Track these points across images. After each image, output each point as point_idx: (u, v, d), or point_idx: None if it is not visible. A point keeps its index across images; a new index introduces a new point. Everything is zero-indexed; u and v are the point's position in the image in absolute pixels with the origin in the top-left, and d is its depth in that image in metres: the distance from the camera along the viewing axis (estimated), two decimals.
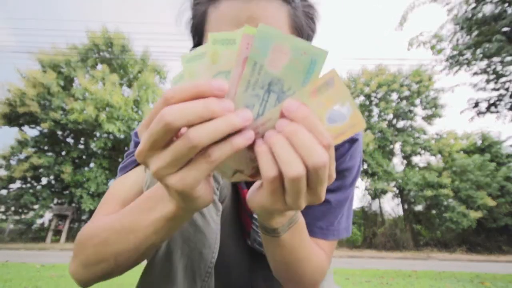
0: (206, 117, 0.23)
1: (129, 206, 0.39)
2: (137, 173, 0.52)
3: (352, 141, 0.57)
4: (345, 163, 0.56)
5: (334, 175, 0.28)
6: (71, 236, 13.00)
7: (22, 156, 12.83)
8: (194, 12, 0.49)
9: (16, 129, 12.90)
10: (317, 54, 0.25)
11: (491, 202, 11.92)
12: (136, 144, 0.56)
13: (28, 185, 13.04)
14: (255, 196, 0.30)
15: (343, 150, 0.56)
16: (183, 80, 0.29)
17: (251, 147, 0.27)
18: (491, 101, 5.48)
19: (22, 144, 12.80)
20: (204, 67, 0.27)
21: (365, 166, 14.15)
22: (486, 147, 14.39)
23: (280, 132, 0.25)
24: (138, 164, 0.53)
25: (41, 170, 12.54)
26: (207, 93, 0.24)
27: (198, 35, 0.49)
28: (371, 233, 14.52)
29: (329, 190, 0.54)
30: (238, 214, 0.66)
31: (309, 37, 0.51)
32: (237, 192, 0.63)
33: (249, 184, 0.60)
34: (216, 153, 0.24)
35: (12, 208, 12.92)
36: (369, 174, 13.92)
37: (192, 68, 0.28)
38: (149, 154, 0.25)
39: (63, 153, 13.73)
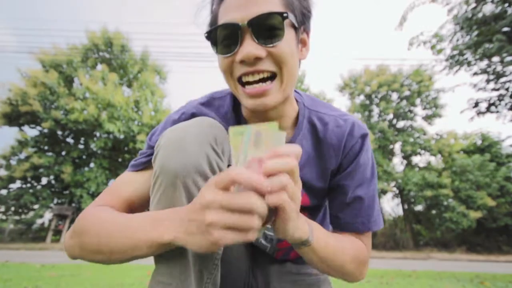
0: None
1: (133, 220, 0.43)
2: (145, 178, 0.55)
3: (363, 136, 0.60)
4: (363, 157, 0.60)
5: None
6: None
7: (22, 156, 12.82)
8: (214, 5, 0.55)
9: (16, 129, 12.91)
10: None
11: (491, 202, 11.91)
12: (149, 147, 0.58)
13: (28, 185, 13.03)
14: (279, 229, 0.40)
15: (357, 146, 0.60)
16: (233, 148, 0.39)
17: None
18: (491, 101, 5.48)
19: (22, 144, 12.80)
20: (243, 147, 0.38)
21: None
22: (486, 147, 14.39)
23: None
24: (147, 167, 0.56)
25: (41, 170, 12.53)
26: (260, 190, 0.33)
27: (212, 25, 0.55)
28: (371, 233, 14.52)
29: (357, 186, 0.59)
30: None
31: (304, 16, 0.55)
32: None
33: None
34: (224, 239, 0.34)
35: (12, 208, 12.91)
36: None
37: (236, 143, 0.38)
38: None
39: (63, 153, 13.73)
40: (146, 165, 0.56)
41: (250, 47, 0.46)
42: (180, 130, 0.47)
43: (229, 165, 0.52)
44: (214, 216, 0.33)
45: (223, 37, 0.48)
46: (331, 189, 0.64)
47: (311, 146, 0.61)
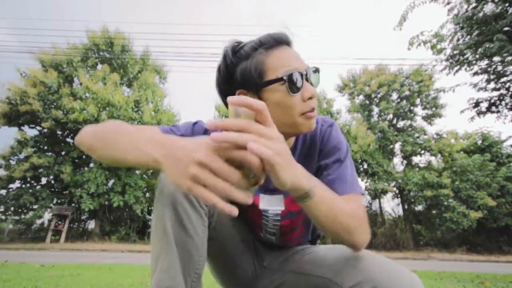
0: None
1: (139, 134, 0.49)
2: None
3: (330, 125, 0.75)
4: (334, 140, 0.73)
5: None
6: (70, 236, 12.99)
7: (21, 156, 12.79)
8: (254, 59, 0.64)
9: (15, 129, 12.88)
10: None
11: (491, 202, 11.91)
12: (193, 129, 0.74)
13: (28, 185, 13.00)
14: (274, 181, 0.41)
15: (328, 132, 0.74)
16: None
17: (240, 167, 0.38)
18: (492, 101, 5.47)
19: (22, 144, 12.78)
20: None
21: (365, 166, 14.14)
22: (486, 147, 14.39)
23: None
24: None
25: (40, 170, 12.51)
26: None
27: (258, 73, 0.64)
28: (371, 233, 14.48)
29: (334, 161, 0.71)
30: (244, 217, 0.80)
31: None
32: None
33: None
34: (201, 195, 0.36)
35: (12, 208, 12.90)
36: (369, 174, 13.91)
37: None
38: None
39: (63, 153, 13.72)
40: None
41: (310, 88, 0.62)
42: None
43: None
44: (196, 171, 0.36)
45: (293, 80, 0.61)
46: (315, 173, 0.74)
47: (304, 149, 0.75)
